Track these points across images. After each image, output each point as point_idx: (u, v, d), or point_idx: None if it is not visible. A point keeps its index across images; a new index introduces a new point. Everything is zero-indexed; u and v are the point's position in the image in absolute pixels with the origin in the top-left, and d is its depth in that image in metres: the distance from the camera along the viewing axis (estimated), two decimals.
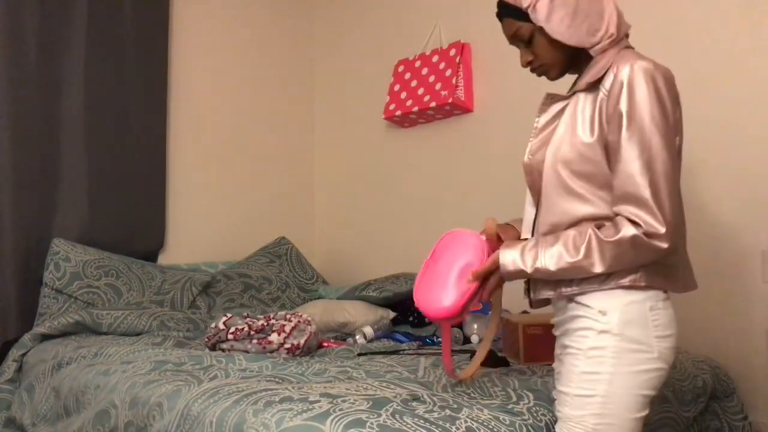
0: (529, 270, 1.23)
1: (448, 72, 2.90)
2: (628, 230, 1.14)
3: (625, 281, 1.20)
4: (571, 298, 1.25)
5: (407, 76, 3.09)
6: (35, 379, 2.14)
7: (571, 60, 1.31)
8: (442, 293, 1.34)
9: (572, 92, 1.29)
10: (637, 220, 1.14)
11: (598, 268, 1.17)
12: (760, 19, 2.16)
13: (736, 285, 2.17)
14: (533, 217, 1.33)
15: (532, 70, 1.35)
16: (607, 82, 1.21)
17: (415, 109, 2.98)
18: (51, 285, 2.53)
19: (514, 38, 1.33)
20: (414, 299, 1.39)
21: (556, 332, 1.35)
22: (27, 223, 2.58)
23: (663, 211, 1.13)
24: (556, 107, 1.32)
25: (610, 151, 1.20)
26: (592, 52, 1.25)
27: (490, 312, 2.44)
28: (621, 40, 1.27)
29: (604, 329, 1.19)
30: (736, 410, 1.99)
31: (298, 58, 3.71)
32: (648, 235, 1.14)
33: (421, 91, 2.98)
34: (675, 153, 1.19)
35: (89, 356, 2.04)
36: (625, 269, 1.19)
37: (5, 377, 2.30)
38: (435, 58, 3.00)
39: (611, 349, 1.18)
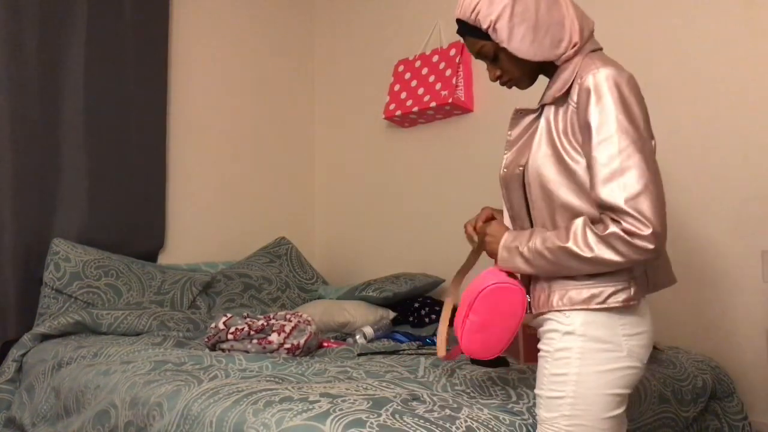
0: (521, 247, 1.22)
1: (448, 72, 2.90)
2: (612, 226, 1.12)
3: (603, 303, 1.18)
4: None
5: (407, 76, 3.09)
6: (35, 379, 2.14)
7: (540, 68, 1.30)
8: (501, 346, 1.33)
9: (541, 104, 1.28)
10: (619, 219, 1.12)
11: (587, 253, 1.13)
12: (759, 20, 2.16)
13: (736, 285, 2.17)
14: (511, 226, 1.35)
15: (502, 84, 1.33)
16: (574, 94, 1.20)
17: (415, 109, 2.98)
18: (51, 285, 2.53)
19: (478, 55, 1.31)
20: (466, 350, 1.35)
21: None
22: (27, 223, 2.58)
23: (644, 213, 1.11)
24: (527, 120, 1.32)
25: (586, 160, 1.19)
26: (557, 62, 1.25)
27: None
28: (585, 44, 1.25)
29: (568, 330, 1.19)
30: (736, 410, 1.99)
31: (298, 57, 3.71)
32: (630, 234, 1.11)
33: (421, 91, 2.98)
34: (650, 155, 1.15)
35: (89, 356, 2.04)
36: (601, 288, 1.18)
37: (5, 377, 2.29)
38: (435, 58, 3.00)
39: (576, 349, 1.18)
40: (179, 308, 2.67)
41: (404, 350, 2.11)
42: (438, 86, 2.91)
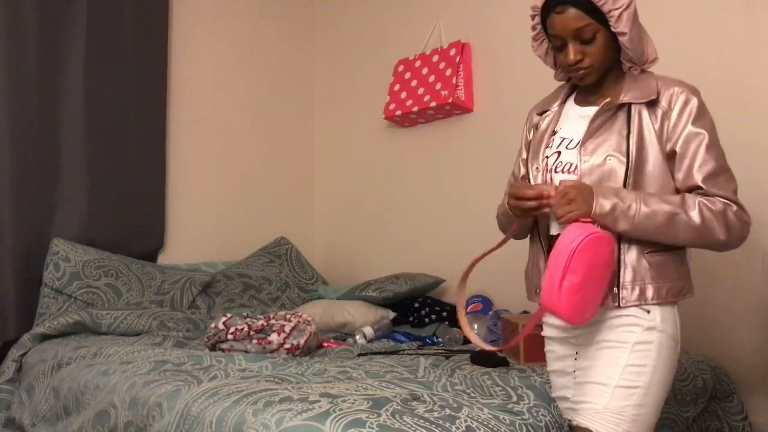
0: (624, 204, 1.25)
1: (449, 72, 2.89)
2: (723, 205, 1.28)
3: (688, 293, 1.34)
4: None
5: (407, 75, 3.08)
6: (35, 379, 2.13)
7: (609, 69, 1.37)
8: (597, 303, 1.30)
9: (624, 103, 1.34)
10: (729, 204, 1.28)
11: (697, 219, 1.25)
12: (760, 20, 2.16)
13: (736, 285, 2.17)
14: None
15: (574, 70, 1.34)
16: (664, 100, 1.32)
17: (415, 109, 2.98)
18: (50, 285, 2.53)
19: (572, 33, 1.30)
20: (569, 317, 1.26)
21: (567, 333, 1.36)
22: (27, 223, 2.58)
23: (743, 206, 1.32)
24: (604, 116, 1.35)
25: (674, 159, 1.31)
26: (633, 70, 1.36)
27: (490, 312, 2.45)
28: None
29: (651, 326, 1.27)
30: (736, 410, 1.99)
31: (298, 57, 3.71)
32: (739, 217, 1.29)
33: (421, 90, 2.98)
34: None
35: (89, 356, 2.04)
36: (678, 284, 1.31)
37: (5, 377, 2.29)
38: (435, 58, 3.00)
39: (656, 343, 1.26)
40: (179, 308, 2.67)
41: (404, 350, 2.11)
42: (438, 86, 2.91)
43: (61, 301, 2.53)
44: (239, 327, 2.04)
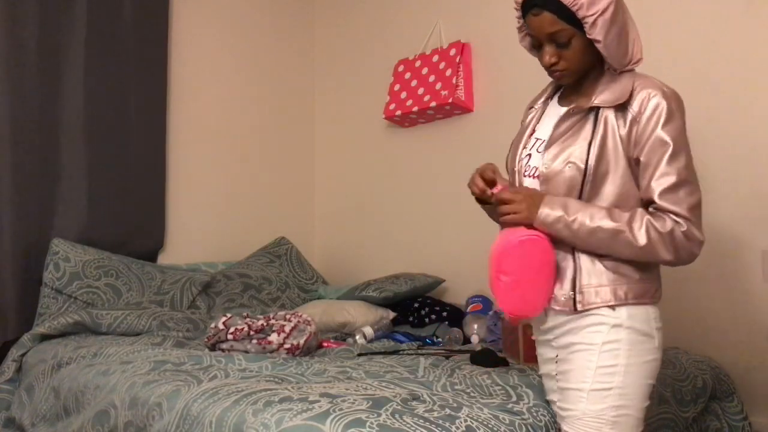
0: (569, 217, 1.24)
1: (449, 72, 2.89)
2: (673, 225, 1.22)
3: (653, 297, 1.30)
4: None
5: (407, 75, 3.08)
6: (35, 379, 2.13)
7: (590, 70, 1.34)
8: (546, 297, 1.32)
9: (593, 107, 1.30)
10: (680, 222, 1.22)
11: (641, 241, 1.22)
12: (760, 20, 2.16)
13: (736, 285, 2.17)
14: None
15: (554, 70, 1.34)
16: (635, 104, 1.27)
17: (415, 108, 2.98)
18: (50, 285, 2.53)
19: (547, 36, 1.29)
20: (509, 311, 1.31)
21: (547, 335, 1.36)
22: (27, 223, 2.58)
23: (699, 223, 1.24)
24: (572, 120, 1.34)
25: (639, 168, 1.27)
26: (612, 70, 1.31)
27: (490, 312, 2.45)
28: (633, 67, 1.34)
29: (617, 323, 1.24)
30: (736, 410, 1.99)
31: (298, 58, 3.71)
32: (688, 237, 1.22)
33: (421, 90, 2.98)
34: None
35: (89, 356, 2.04)
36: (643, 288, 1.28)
37: (5, 377, 2.29)
38: (435, 58, 3.00)
39: (625, 341, 1.24)
40: (179, 308, 2.67)
41: (404, 350, 2.11)
42: (438, 86, 2.91)
43: (61, 301, 2.53)
44: (239, 327, 2.04)
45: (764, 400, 2.09)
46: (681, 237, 1.22)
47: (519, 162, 1.42)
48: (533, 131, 1.43)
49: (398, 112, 3.06)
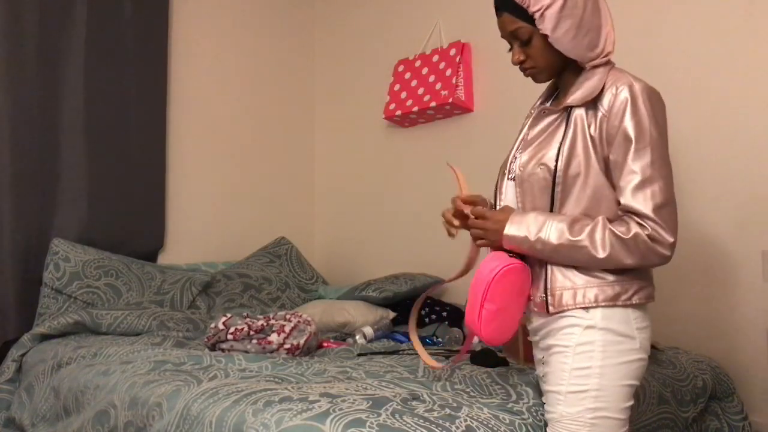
0: (532, 237, 1.24)
1: (449, 72, 2.90)
2: (637, 229, 1.19)
3: (629, 300, 1.24)
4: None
5: (407, 75, 3.08)
6: (35, 379, 2.13)
7: (562, 66, 1.33)
8: (515, 326, 1.35)
9: (567, 106, 1.29)
10: (644, 225, 1.20)
11: (601, 254, 1.20)
12: (760, 20, 2.16)
13: (736, 285, 2.17)
14: None
15: (522, 70, 1.35)
16: (605, 100, 1.24)
17: (415, 108, 2.98)
18: (50, 285, 2.53)
19: (510, 35, 1.32)
20: (488, 340, 1.33)
21: (535, 337, 1.37)
22: (27, 223, 2.58)
23: (667, 223, 1.20)
24: (547, 120, 1.33)
25: (610, 167, 1.24)
26: (585, 66, 1.28)
27: None
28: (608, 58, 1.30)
29: (590, 324, 1.23)
30: (736, 410, 1.99)
31: (298, 58, 3.71)
32: (653, 239, 1.19)
33: (421, 90, 2.98)
34: (671, 170, 1.24)
35: (89, 356, 2.04)
36: (625, 285, 1.24)
37: (5, 377, 2.29)
38: (435, 58, 3.00)
39: (599, 342, 1.22)
40: (179, 308, 2.67)
41: (404, 350, 2.11)
42: (438, 86, 2.91)
43: (61, 301, 2.53)
44: (239, 327, 2.04)
45: (764, 400, 2.09)
46: (645, 240, 1.19)
47: (508, 165, 1.41)
48: (522, 133, 1.43)
49: (398, 112, 3.06)
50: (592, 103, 1.26)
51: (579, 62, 1.29)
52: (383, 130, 3.36)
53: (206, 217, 3.22)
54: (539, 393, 1.49)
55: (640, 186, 1.20)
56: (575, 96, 1.27)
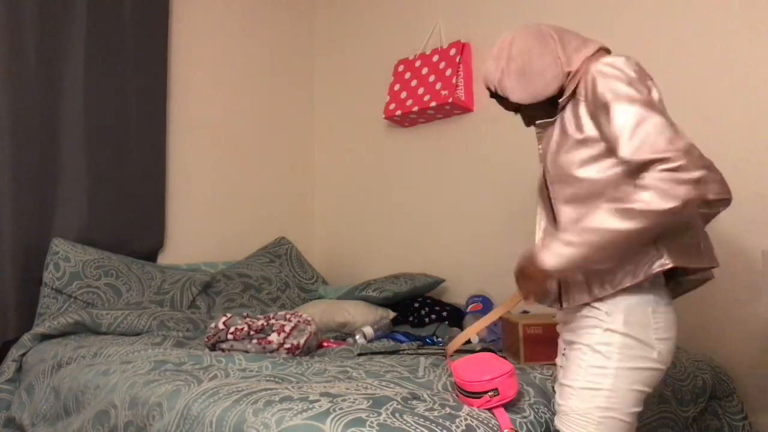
0: (576, 248, 1.21)
1: (449, 71, 2.90)
2: (651, 175, 1.13)
3: (637, 277, 1.25)
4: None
5: (407, 75, 3.09)
6: (35, 379, 2.13)
7: (553, 99, 1.39)
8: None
9: (557, 114, 1.39)
10: (654, 169, 1.13)
11: (624, 227, 1.15)
12: (760, 20, 2.16)
13: (736, 285, 2.17)
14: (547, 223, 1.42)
15: (526, 125, 1.47)
16: (581, 89, 1.31)
17: (415, 108, 2.98)
18: (50, 285, 2.53)
19: (508, 110, 1.46)
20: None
21: (561, 330, 1.42)
22: (26, 223, 2.57)
23: (687, 158, 1.12)
24: (550, 131, 1.41)
25: (606, 138, 1.24)
26: (565, 90, 1.34)
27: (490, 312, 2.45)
28: (587, 62, 1.32)
29: (610, 328, 1.26)
30: (736, 410, 1.99)
31: (298, 58, 3.71)
32: (672, 170, 1.12)
33: (421, 90, 2.98)
34: (662, 110, 1.21)
35: (89, 356, 2.04)
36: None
37: (5, 377, 2.29)
38: (435, 58, 3.00)
39: (617, 345, 1.25)
40: (179, 308, 2.67)
41: (404, 350, 2.11)
42: (438, 86, 2.91)
43: (61, 301, 2.53)
44: (239, 327, 2.04)
45: (764, 400, 2.09)
46: (668, 178, 1.12)
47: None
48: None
49: (398, 112, 3.06)
50: (572, 98, 1.33)
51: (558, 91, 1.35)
52: (383, 130, 3.37)
53: (206, 217, 3.22)
54: (540, 392, 1.50)
55: (635, 130, 1.17)
56: (560, 102, 1.36)
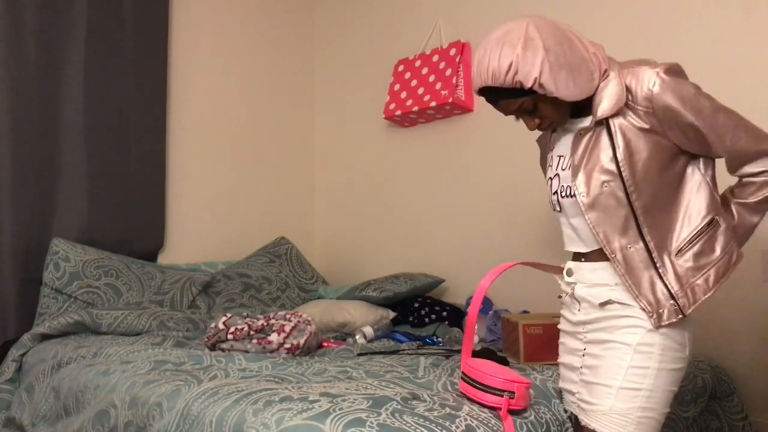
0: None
1: (449, 71, 2.90)
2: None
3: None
4: (609, 301, 1.33)
5: (407, 75, 3.09)
6: (35, 379, 2.13)
7: (573, 103, 1.34)
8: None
9: (599, 119, 1.30)
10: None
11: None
12: (760, 20, 2.16)
13: (736, 285, 2.17)
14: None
15: (542, 129, 1.37)
16: (639, 98, 1.27)
17: (415, 108, 2.98)
18: (50, 285, 2.53)
19: (516, 112, 1.33)
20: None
21: (578, 329, 1.39)
22: (26, 222, 2.57)
23: None
24: (585, 139, 1.34)
25: (684, 146, 1.30)
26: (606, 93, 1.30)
27: (490, 312, 2.45)
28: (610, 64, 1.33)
29: (652, 328, 1.27)
30: (736, 410, 1.99)
31: (298, 57, 3.71)
32: None
33: (421, 90, 2.98)
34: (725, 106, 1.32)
35: (89, 356, 2.04)
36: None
37: (5, 377, 2.29)
38: (435, 58, 3.00)
39: (659, 346, 1.26)
40: (179, 308, 2.67)
41: (404, 350, 2.11)
42: (438, 86, 2.91)
43: (61, 301, 2.53)
44: (239, 327, 2.04)
45: (764, 400, 2.10)
46: None
47: (549, 183, 1.44)
48: (552, 149, 1.46)
49: (398, 112, 3.06)
50: (625, 106, 1.28)
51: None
52: (383, 130, 3.37)
53: (206, 217, 3.22)
54: (540, 392, 1.50)
55: (735, 129, 1.29)
56: (604, 107, 1.28)
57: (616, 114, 1.29)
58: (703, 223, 1.29)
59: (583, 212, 1.32)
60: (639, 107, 1.27)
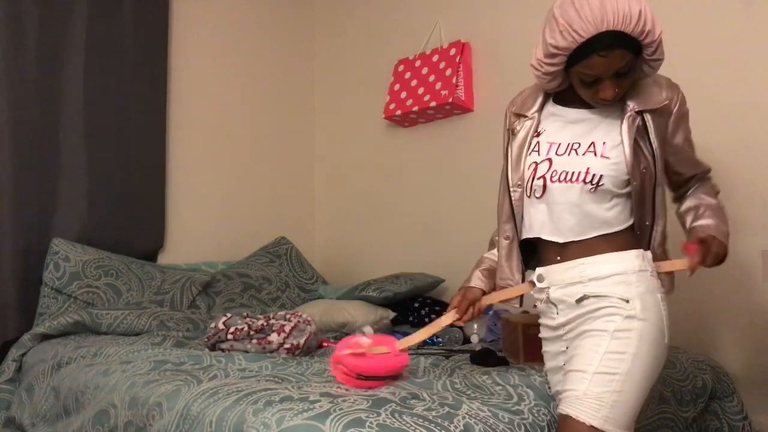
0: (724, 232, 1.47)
1: (449, 71, 2.90)
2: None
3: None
4: (584, 297, 1.34)
5: (407, 75, 3.09)
6: (35, 378, 2.13)
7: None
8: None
9: (633, 112, 1.36)
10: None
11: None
12: (760, 20, 2.16)
13: (736, 285, 2.17)
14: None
15: (612, 99, 1.33)
16: (672, 105, 1.39)
17: (415, 108, 2.98)
18: (50, 285, 2.53)
19: (616, 70, 1.27)
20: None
21: (559, 331, 1.40)
22: (26, 222, 2.58)
23: None
24: (615, 124, 1.38)
25: (668, 152, 1.44)
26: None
27: (490, 312, 2.45)
28: None
29: (630, 314, 1.29)
30: (736, 410, 1.98)
31: (298, 57, 3.71)
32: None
33: (421, 90, 2.98)
34: None
35: (89, 356, 2.04)
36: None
37: (5, 377, 2.29)
38: (435, 58, 3.00)
39: (636, 331, 1.28)
40: (179, 308, 2.67)
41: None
42: (438, 86, 2.91)
43: (61, 300, 2.53)
44: (239, 327, 2.04)
45: (764, 400, 2.09)
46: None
47: (531, 167, 1.43)
48: (537, 134, 1.44)
49: (398, 112, 3.06)
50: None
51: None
52: (383, 130, 3.36)
53: (206, 217, 3.22)
54: (540, 394, 1.49)
55: (694, 158, 1.51)
56: (649, 100, 1.37)
57: (652, 111, 1.39)
58: None
59: (585, 200, 1.37)
60: (667, 111, 1.43)
